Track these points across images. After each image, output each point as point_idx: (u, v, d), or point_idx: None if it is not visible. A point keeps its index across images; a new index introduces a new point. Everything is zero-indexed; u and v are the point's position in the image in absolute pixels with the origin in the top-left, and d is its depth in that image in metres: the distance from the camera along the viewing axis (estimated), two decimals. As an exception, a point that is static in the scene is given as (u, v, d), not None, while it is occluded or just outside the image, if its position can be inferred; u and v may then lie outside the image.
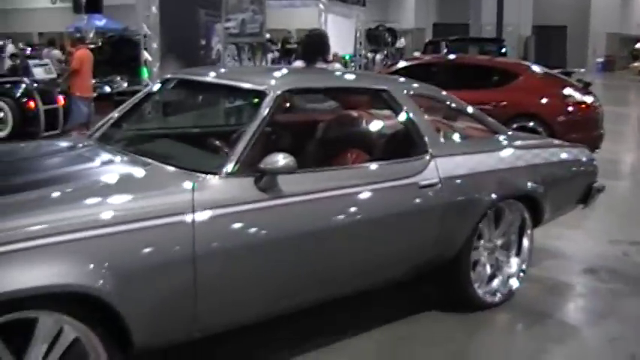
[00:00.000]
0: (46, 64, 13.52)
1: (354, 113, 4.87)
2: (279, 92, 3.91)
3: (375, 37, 26.49)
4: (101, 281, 2.97)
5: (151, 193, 3.35)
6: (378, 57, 24.59)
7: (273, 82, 4.06)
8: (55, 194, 3.30)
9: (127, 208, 3.20)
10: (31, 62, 13.38)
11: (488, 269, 4.92)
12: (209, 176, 3.49)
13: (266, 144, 3.79)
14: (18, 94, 12.42)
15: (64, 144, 4.44)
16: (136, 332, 3.14)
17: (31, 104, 12.23)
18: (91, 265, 2.96)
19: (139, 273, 3.13)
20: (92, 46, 13.89)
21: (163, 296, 3.25)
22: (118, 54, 15.82)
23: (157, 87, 4.88)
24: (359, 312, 4.72)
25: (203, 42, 14.51)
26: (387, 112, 4.70)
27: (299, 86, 4.37)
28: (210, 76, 4.63)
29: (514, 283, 5.03)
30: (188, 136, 4.57)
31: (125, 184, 3.51)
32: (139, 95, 4.82)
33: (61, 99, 12.54)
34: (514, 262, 5.04)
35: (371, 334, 4.44)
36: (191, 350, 3.89)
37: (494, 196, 4.64)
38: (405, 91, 4.63)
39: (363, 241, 4.06)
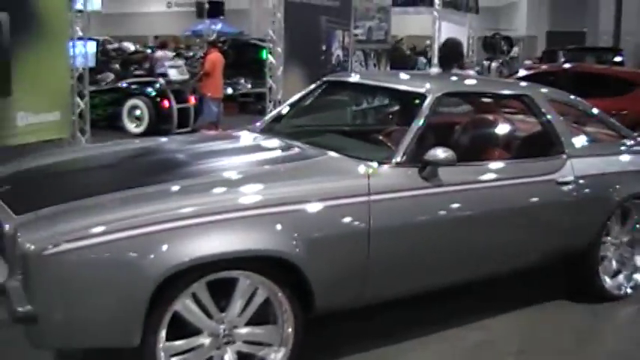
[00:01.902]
0: (180, 66, 14.45)
1: (499, 115, 5.37)
2: (437, 95, 4.47)
3: (492, 45, 26.48)
4: (295, 249, 3.57)
5: (334, 177, 3.98)
6: (494, 65, 24.61)
7: (432, 85, 4.63)
8: (263, 174, 4.00)
9: (317, 189, 3.81)
10: (166, 64, 14.33)
11: (614, 264, 5.30)
12: (381, 165, 4.07)
13: (426, 140, 4.33)
14: (154, 94, 13.39)
15: (245, 136, 5.08)
16: (318, 296, 3.72)
17: (166, 103, 13.17)
18: (288, 235, 3.57)
19: (324, 244, 3.72)
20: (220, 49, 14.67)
21: (342, 265, 3.83)
22: (242, 57, 16.68)
23: (316, 87, 5.50)
24: (491, 297, 5.18)
25: (324, 47, 15.17)
26: (528, 115, 5.19)
27: (454, 90, 4.96)
28: (371, 80, 5.26)
29: (638, 278, 5.38)
30: (351, 132, 5.21)
31: (312, 168, 4.13)
32: (302, 93, 5.48)
33: (192, 99, 13.44)
34: (638, 259, 5.40)
35: (501, 319, 4.90)
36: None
37: (622, 195, 5.07)
38: (544, 96, 5.12)
39: (507, 228, 4.57)
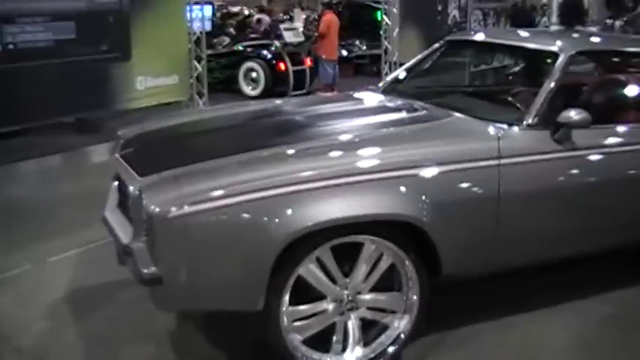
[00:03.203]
0: (295, 29, 14.43)
1: (633, 75, 4.98)
2: (571, 53, 4.17)
3: (615, 2, 25.09)
4: (423, 213, 3.42)
5: (462, 140, 3.78)
6: (617, 23, 23.34)
7: (564, 44, 4.32)
8: (389, 136, 3.83)
9: (445, 151, 3.63)
10: (281, 26, 14.35)
11: None
12: (511, 127, 3.84)
13: (557, 101, 4.06)
14: (270, 56, 13.42)
15: (367, 96, 4.92)
16: (445, 261, 3.56)
17: (282, 66, 13.17)
18: (415, 199, 3.41)
19: (452, 208, 3.54)
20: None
21: (470, 230, 3.65)
22: (357, 18, 16.46)
23: (439, 47, 5.27)
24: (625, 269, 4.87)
25: (440, 8, 14.83)
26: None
27: (587, 48, 4.62)
28: (498, 38, 4.98)
29: None
30: (477, 93, 4.96)
31: (439, 130, 3.94)
32: (425, 54, 5.26)
33: (308, 61, 13.39)
34: None
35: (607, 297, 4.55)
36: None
37: None
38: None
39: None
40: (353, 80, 14.08)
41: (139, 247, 3.19)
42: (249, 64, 13.50)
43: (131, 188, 3.35)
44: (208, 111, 5.91)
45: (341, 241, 3.32)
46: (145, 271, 3.06)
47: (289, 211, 3.13)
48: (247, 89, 13.52)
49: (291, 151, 3.52)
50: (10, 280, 4.76)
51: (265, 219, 3.10)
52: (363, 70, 16.21)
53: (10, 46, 7.91)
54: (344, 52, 15.42)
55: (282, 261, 3.15)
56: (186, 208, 3.02)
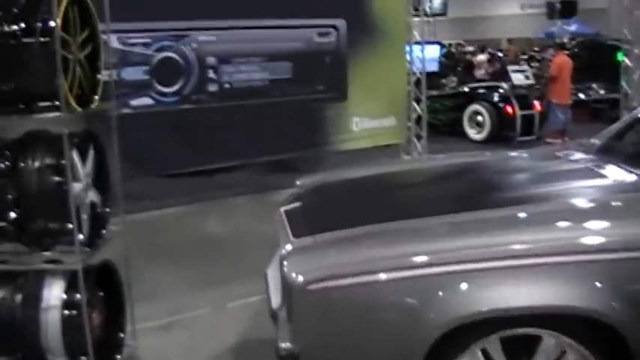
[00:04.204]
0: (525, 71, 13.69)
1: None
2: None
3: None
4: (610, 305, 2.76)
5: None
6: None
7: None
8: (567, 211, 3.14)
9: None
10: (510, 68, 13.69)
11: None
12: None
13: None
14: (496, 99, 12.81)
15: (568, 155, 4.27)
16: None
17: (508, 109, 12.52)
18: (600, 289, 2.76)
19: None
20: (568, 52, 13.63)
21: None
22: (593, 60, 15.30)
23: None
24: None
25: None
26: None
27: None
28: None
29: None
30: None
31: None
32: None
33: (537, 105, 12.60)
34: None
35: None
36: None
37: None
38: None
39: None
40: (588, 126, 12.98)
41: (282, 316, 2.86)
42: (475, 106, 12.99)
43: (281, 249, 3.04)
44: (409, 162, 5.50)
45: (513, 332, 2.77)
46: (282, 345, 2.72)
47: (454, 294, 2.65)
48: (472, 133, 13.01)
49: (476, 220, 3.02)
50: (185, 322, 4.71)
51: (425, 299, 2.65)
52: (600, 115, 14.96)
53: (227, 86, 8.11)
54: (580, 96, 14.36)
55: (439, 349, 2.66)
56: (332, 281, 2.64)
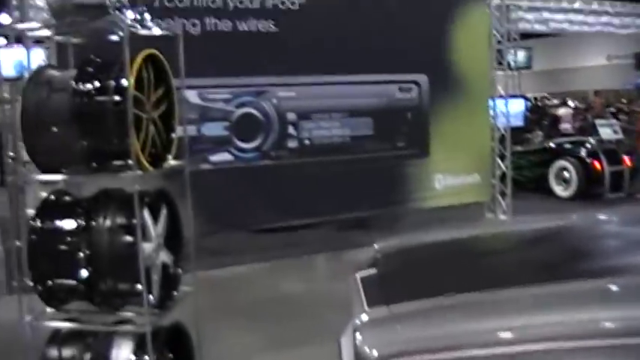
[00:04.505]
0: (613, 124, 13.20)
1: None
2: None
3: None
4: None
5: None
6: None
7: None
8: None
9: None
10: (597, 122, 13.22)
11: None
12: None
13: None
14: (583, 154, 12.37)
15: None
16: None
17: (597, 165, 12.04)
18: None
19: None
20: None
21: None
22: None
23: None
24: None
25: None
26: None
27: None
28: None
29: None
30: None
31: None
32: None
33: (627, 160, 12.09)
34: None
35: None
36: None
37: None
38: None
39: None
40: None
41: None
42: (561, 162, 12.54)
43: (355, 319, 2.84)
44: (486, 226, 5.24)
45: None
46: None
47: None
48: (558, 189, 12.54)
49: (566, 291, 2.75)
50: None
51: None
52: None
53: (307, 142, 8.06)
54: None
55: None
56: (407, 357, 2.43)
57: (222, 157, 7.72)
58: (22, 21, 6.82)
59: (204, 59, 7.31)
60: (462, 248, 3.79)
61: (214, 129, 7.62)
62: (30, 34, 4.66)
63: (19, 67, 5.98)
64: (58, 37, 4.22)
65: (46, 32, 4.27)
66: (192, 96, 7.36)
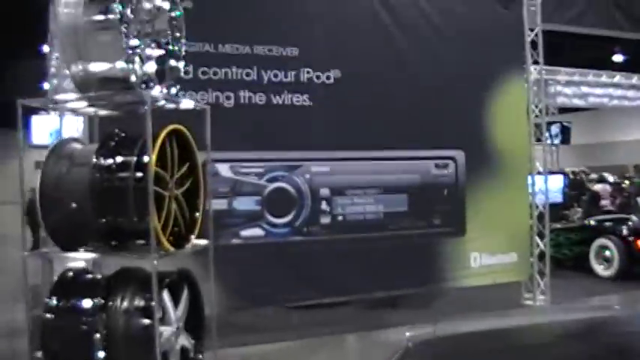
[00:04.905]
0: (645, 201, 12.84)
1: None
2: None
3: None
4: None
5: None
6: None
7: None
8: None
9: None
10: (639, 199, 12.86)
11: None
12: None
13: None
14: (625, 233, 11.99)
15: None
16: None
17: (639, 243, 11.65)
18: None
19: None
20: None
21: None
22: None
23: None
24: None
25: None
26: None
27: None
28: None
29: None
30: None
31: None
32: None
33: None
34: None
35: None
36: None
37: None
38: None
39: None
40: None
41: None
42: (602, 240, 12.17)
43: None
44: (524, 314, 4.98)
45: None
46: None
47: None
48: (599, 269, 12.12)
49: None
50: None
51: None
52: None
53: (340, 218, 7.91)
54: None
55: None
56: None
57: (254, 232, 7.58)
58: (57, 91, 6.84)
59: (238, 132, 7.27)
60: (499, 341, 3.55)
61: (246, 203, 7.50)
62: (61, 105, 4.61)
63: (55, 135, 5.99)
64: (87, 110, 4.16)
65: (79, 104, 4.20)
66: (224, 169, 7.30)
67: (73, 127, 6.52)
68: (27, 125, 12.62)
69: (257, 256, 7.50)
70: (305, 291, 7.78)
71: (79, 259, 3.67)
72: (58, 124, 5.49)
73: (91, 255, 3.59)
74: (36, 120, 12.72)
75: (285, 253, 7.68)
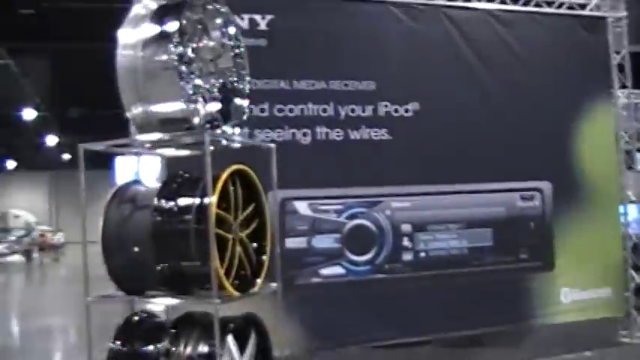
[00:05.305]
0: None
1: None
2: None
3: None
4: None
5: None
6: None
7: None
8: None
9: None
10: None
11: None
12: None
13: None
14: None
15: None
16: None
17: None
18: None
19: None
20: None
21: None
22: None
23: None
24: None
25: None
26: None
27: None
28: None
29: None
30: None
31: None
32: None
33: None
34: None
35: None
36: None
37: None
38: None
39: None
40: None
41: None
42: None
43: None
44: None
45: None
46: None
47: None
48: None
49: None
50: None
51: None
52: None
53: (422, 254, 7.69)
54: None
55: None
56: None
57: (334, 270, 7.41)
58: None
59: (315, 169, 7.15)
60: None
61: (325, 241, 7.35)
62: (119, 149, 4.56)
63: (135, 176, 6.02)
64: (157, 151, 4.09)
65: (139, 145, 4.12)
66: (302, 207, 7.18)
67: (152, 167, 6.53)
68: (111, 166, 12.94)
69: (338, 295, 7.32)
70: (388, 330, 7.53)
71: (145, 303, 3.58)
72: (136, 165, 5.48)
73: (154, 300, 3.51)
74: (119, 160, 12.97)
75: (367, 291, 7.48)
